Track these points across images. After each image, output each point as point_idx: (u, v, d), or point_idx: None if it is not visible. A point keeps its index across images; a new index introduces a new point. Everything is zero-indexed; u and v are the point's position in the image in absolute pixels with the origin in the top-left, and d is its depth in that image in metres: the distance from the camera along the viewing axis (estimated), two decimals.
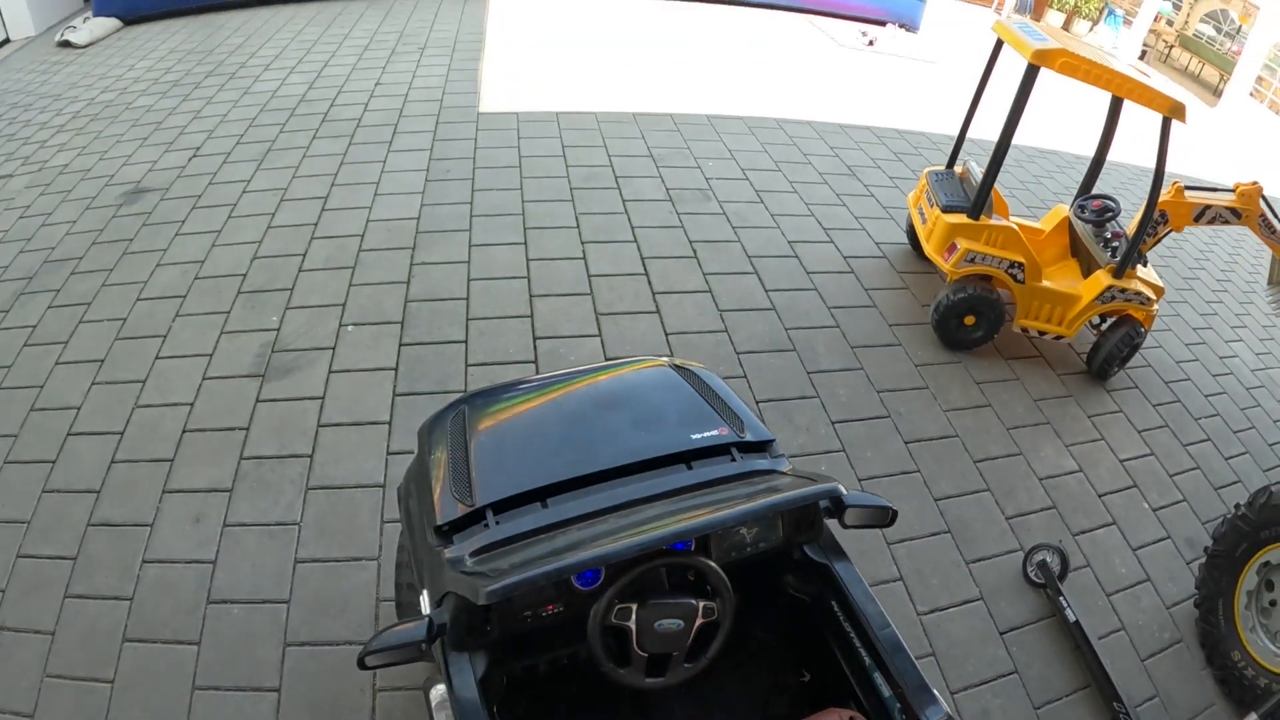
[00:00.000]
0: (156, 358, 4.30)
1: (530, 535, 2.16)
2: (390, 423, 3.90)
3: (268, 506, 3.53)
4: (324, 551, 3.37)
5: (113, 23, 10.62)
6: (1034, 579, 3.78)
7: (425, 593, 2.25)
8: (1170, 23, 17.62)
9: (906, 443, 4.39)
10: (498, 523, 2.21)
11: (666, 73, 8.93)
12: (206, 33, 9.27)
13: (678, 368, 2.91)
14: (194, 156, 6.10)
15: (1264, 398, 5.79)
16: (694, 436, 2.49)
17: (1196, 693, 3.58)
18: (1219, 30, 16.50)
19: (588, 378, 2.84)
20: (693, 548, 2.25)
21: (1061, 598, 3.63)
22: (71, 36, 10.10)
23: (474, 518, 2.24)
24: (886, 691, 2.16)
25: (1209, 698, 3.57)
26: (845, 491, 2.21)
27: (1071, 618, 3.56)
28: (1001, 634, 3.58)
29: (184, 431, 3.88)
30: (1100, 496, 4.42)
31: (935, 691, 2.07)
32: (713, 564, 2.14)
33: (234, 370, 4.14)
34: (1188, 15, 17.17)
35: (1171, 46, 17.52)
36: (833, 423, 4.40)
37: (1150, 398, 5.29)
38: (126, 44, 9.78)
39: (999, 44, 5.00)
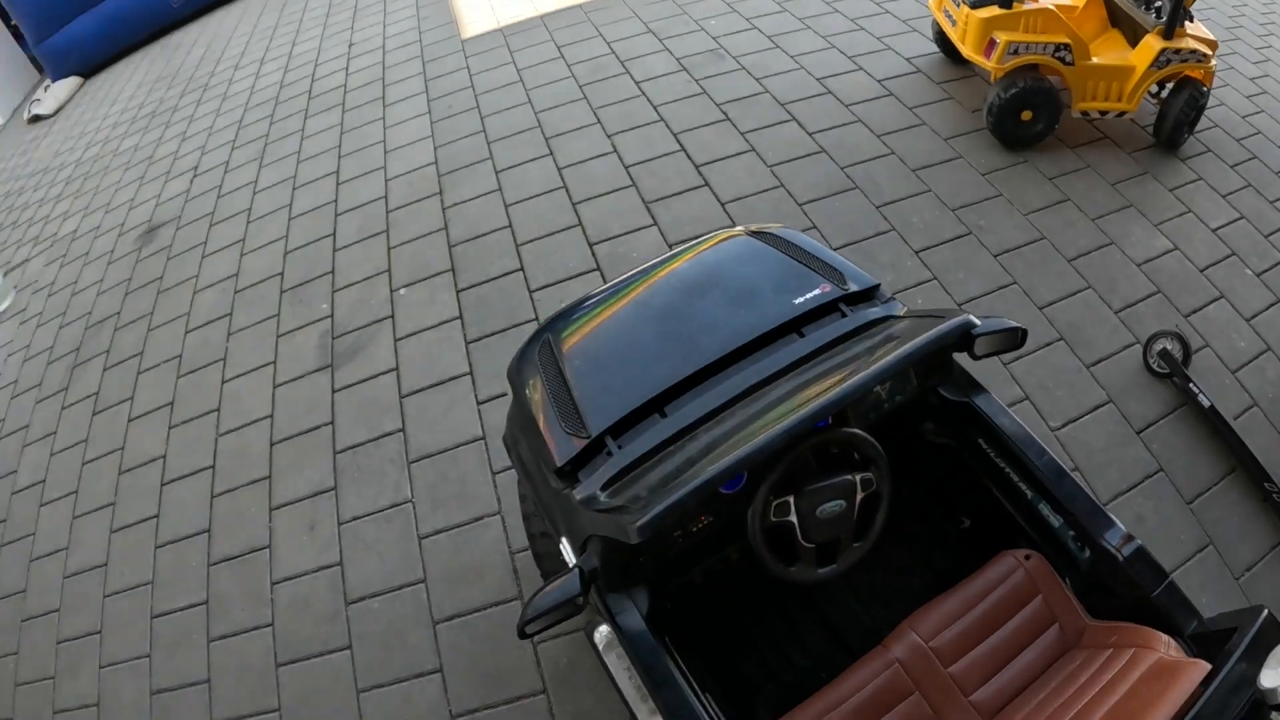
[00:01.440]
0: (223, 382, 4.29)
1: (658, 451, 2.02)
2: (471, 373, 3.80)
3: (376, 493, 3.48)
4: (444, 521, 3.31)
5: (73, 82, 10.64)
6: (1158, 369, 3.61)
7: (564, 540, 2.13)
8: None
9: (995, 256, 4.17)
10: (620, 447, 2.08)
11: None
12: (166, 56, 9.19)
13: (756, 233, 2.70)
14: (195, 177, 6.04)
15: None
16: (797, 301, 2.32)
17: None
18: None
19: (665, 269, 2.64)
20: (830, 420, 2.08)
21: (1191, 384, 3.46)
22: (38, 109, 10.19)
23: (593, 448, 2.11)
24: (1057, 522, 2.03)
25: None
26: (977, 321, 2.02)
27: (1206, 403, 3.40)
28: (1138, 433, 3.42)
29: (271, 445, 3.85)
30: (1201, 271, 4.17)
31: (1109, 512, 1.93)
32: (860, 432, 1.98)
33: (301, 369, 4.08)
34: None
35: None
36: (916, 253, 4.18)
37: (1226, 159, 4.95)
38: (92, 96, 9.79)
39: None
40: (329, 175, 5.37)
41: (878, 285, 2.39)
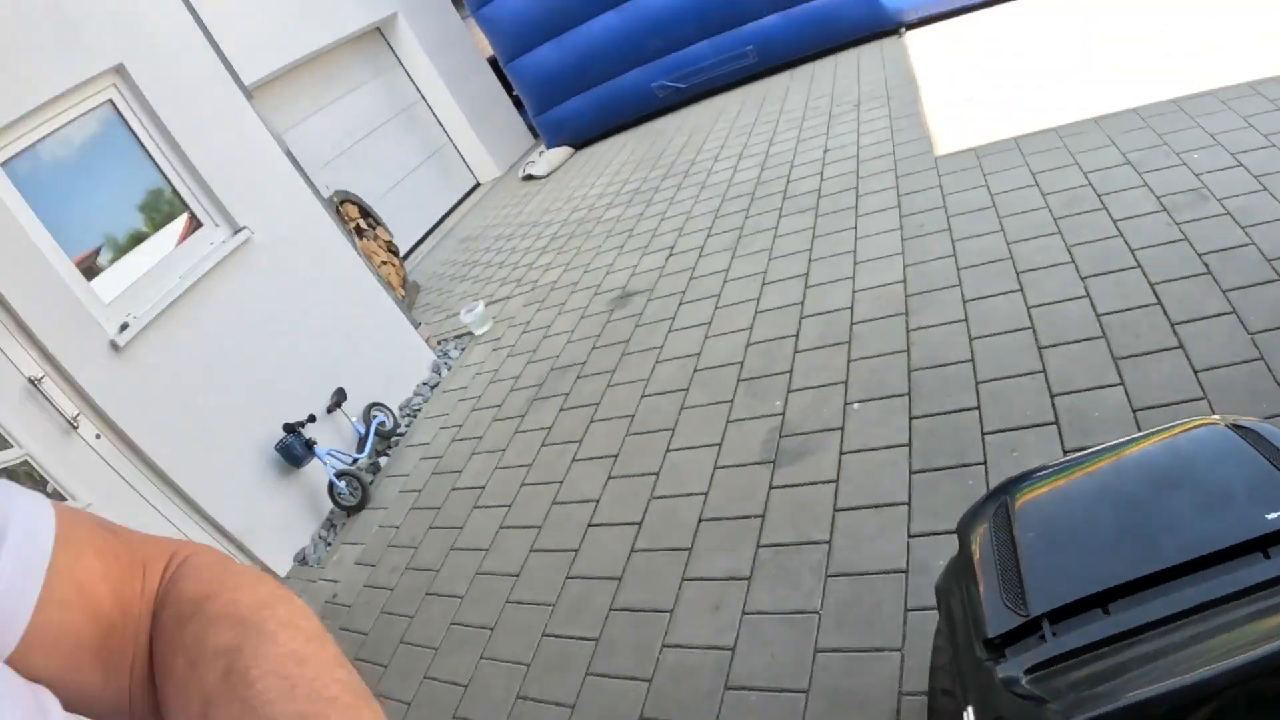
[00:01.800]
0: (667, 450, 4.65)
1: (1095, 648, 1.87)
2: (909, 503, 3.75)
3: (787, 594, 3.55)
4: (844, 641, 3.28)
5: (565, 151, 12.49)
6: None
7: (970, 710, 2.05)
8: None
9: None
10: (1054, 634, 1.94)
11: (1103, 62, 7.99)
12: (649, 141, 10.32)
13: (1236, 427, 2.44)
14: (670, 255, 6.68)
15: None
16: (1270, 517, 2.02)
17: None
18: None
19: (1132, 449, 2.48)
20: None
21: None
22: (532, 170, 12.04)
23: (1029, 628, 1.99)
24: None
25: None
26: None
27: None
28: None
29: (700, 521, 4.09)
30: None
31: None
32: None
33: (744, 458, 4.30)
34: None
35: None
36: None
37: None
38: (581, 166, 11.27)
39: None
40: (799, 276, 5.66)
41: None
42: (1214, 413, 3.19)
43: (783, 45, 11.35)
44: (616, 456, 4.81)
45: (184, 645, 0.75)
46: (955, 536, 2.52)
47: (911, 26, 11.16)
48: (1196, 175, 5.67)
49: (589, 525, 4.42)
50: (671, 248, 6.72)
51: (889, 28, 11.19)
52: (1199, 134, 6.21)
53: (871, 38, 11.19)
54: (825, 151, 7.69)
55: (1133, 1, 8.93)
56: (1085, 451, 2.59)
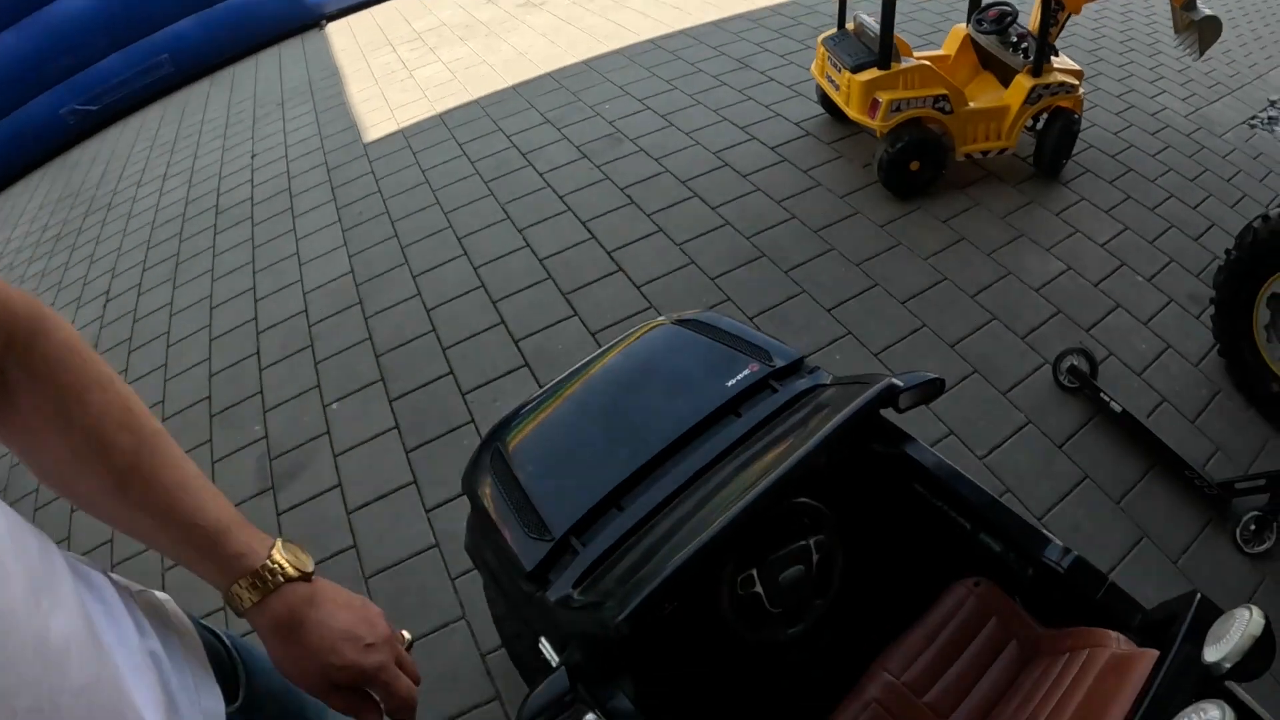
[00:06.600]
0: None
1: (620, 544, 2.00)
2: (415, 481, 3.65)
3: None
4: (411, 630, 3.13)
5: None
6: (1069, 385, 3.74)
7: (544, 641, 2.06)
8: None
9: (903, 302, 4.26)
10: (584, 545, 2.04)
11: (520, 37, 8.52)
12: (65, 175, 8.72)
13: (679, 321, 2.72)
14: (107, 302, 5.70)
15: (1204, 137, 5.74)
16: (729, 384, 2.33)
17: (1251, 434, 3.60)
18: None
19: (597, 366, 2.63)
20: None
21: (1101, 394, 3.58)
22: None
23: (560, 550, 2.07)
24: (998, 548, 2.09)
25: (1264, 434, 3.60)
26: (900, 384, 2.08)
27: (1118, 408, 3.52)
28: (1060, 447, 3.52)
29: None
30: (1096, 286, 4.36)
31: (1044, 529, 2.03)
32: (808, 500, 2.05)
33: (243, 494, 3.83)
34: None
35: None
36: (828, 311, 4.24)
37: (1104, 175, 5.23)
38: None
39: None
40: (246, 292, 5.13)
41: (802, 358, 2.43)
42: (660, 315, 3.46)
43: (200, 50, 10.05)
44: (111, 541, 4.04)
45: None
46: (466, 496, 2.44)
47: (332, 18, 10.69)
48: (610, 123, 6.17)
49: None
50: (107, 293, 5.72)
51: (310, 21, 10.57)
52: (609, 88, 6.76)
53: (292, 33, 10.47)
54: (253, 157, 7.06)
55: None
56: (553, 382, 2.64)
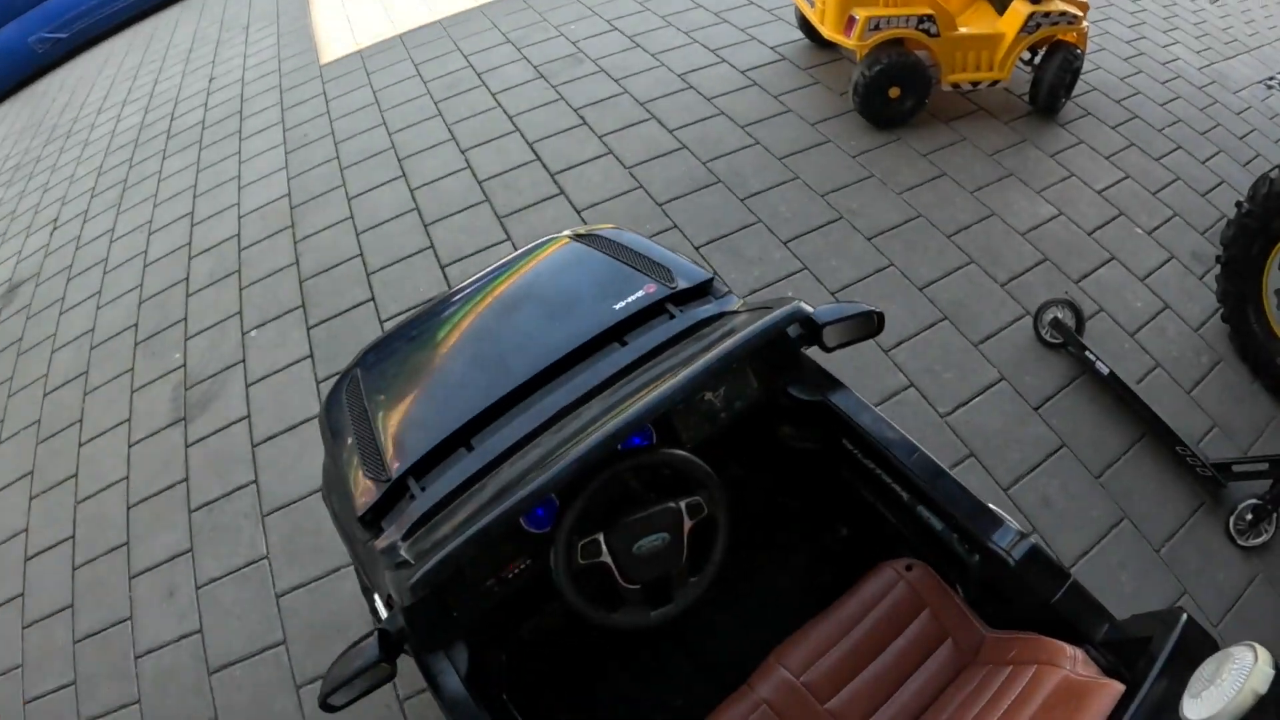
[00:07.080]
0: (80, 445, 3.84)
1: (462, 490, 1.69)
2: None
3: (231, 551, 3.12)
4: (301, 576, 2.97)
5: None
6: (1051, 340, 3.37)
7: (376, 597, 1.80)
8: None
9: (869, 239, 3.91)
10: (423, 489, 1.74)
11: None
12: (32, 104, 8.48)
13: (580, 236, 2.37)
14: (54, 229, 5.50)
15: (1217, 92, 5.25)
16: (617, 307, 1.98)
17: (1254, 410, 3.23)
18: None
19: (484, 287, 2.29)
20: (654, 439, 1.79)
21: (1087, 352, 3.22)
22: None
23: (395, 493, 1.78)
24: (938, 525, 1.75)
25: (1268, 411, 3.22)
26: (811, 309, 1.73)
27: (1104, 370, 3.16)
28: (1036, 409, 3.19)
29: (128, 508, 3.46)
30: (1090, 234, 3.98)
31: (996, 509, 1.65)
32: (677, 452, 1.68)
33: (155, 425, 3.68)
34: None
35: None
36: (784, 243, 3.91)
37: (1107, 120, 4.79)
38: None
39: None
40: (184, 217, 4.90)
41: (711, 279, 2.08)
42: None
43: None
44: (32, 473, 3.89)
45: None
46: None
47: None
48: (573, 43, 5.78)
49: (26, 559, 3.54)
50: (55, 220, 5.52)
51: None
52: (578, 7, 6.34)
53: None
54: (210, 80, 6.76)
55: None
56: (436, 298, 2.35)
